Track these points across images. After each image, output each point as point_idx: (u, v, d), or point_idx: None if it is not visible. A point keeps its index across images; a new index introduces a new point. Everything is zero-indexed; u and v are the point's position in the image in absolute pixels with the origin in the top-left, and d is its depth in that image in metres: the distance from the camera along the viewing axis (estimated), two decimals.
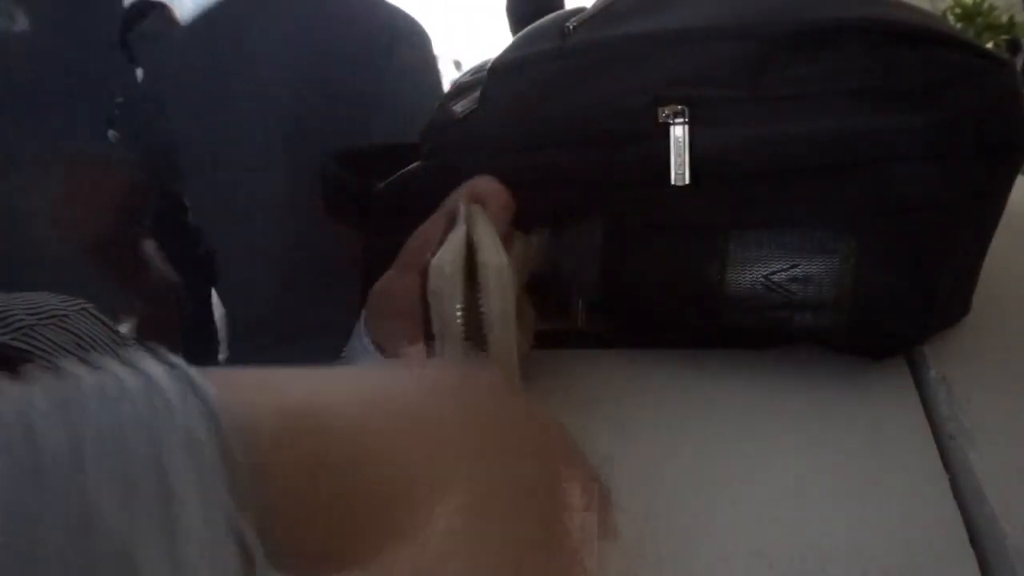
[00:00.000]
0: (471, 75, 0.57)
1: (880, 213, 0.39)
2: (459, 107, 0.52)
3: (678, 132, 0.41)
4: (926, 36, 0.38)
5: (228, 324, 0.90)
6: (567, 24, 0.48)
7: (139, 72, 0.85)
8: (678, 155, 0.41)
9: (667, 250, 0.43)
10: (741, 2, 0.45)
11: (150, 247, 0.86)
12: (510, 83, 0.49)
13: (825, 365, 0.44)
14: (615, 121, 0.44)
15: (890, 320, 0.41)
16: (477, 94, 0.51)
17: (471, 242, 0.34)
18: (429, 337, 0.33)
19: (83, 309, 0.35)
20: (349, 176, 0.59)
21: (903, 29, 0.39)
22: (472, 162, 0.51)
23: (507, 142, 0.49)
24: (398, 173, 0.55)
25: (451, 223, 0.37)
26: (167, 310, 0.85)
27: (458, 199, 0.39)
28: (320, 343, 0.49)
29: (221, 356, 0.88)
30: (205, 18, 0.84)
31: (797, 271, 0.40)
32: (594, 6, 0.49)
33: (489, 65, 0.51)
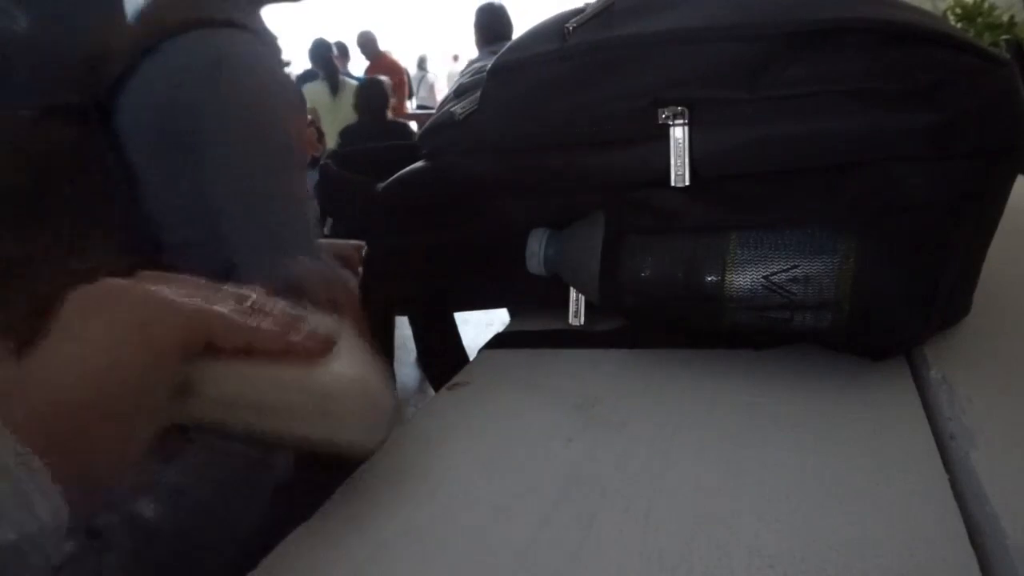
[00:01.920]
0: (471, 76, 0.57)
1: (880, 213, 0.39)
2: (459, 108, 0.52)
3: (678, 133, 0.41)
4: (926, 36, 0.38)
5: None
6: (567, 25, 0.48)
7: None
8: (678, 156, 0.41)
9: (667, 251, 0.43)
10: (741, 3, 0.45)
11: None
12: (510, 84, 0.49)
13: (825, 365, 0.44)
14: (615, 123, 0.44)
15: (890, 320, 0.41)
16: (477, 95, 0.51)
17: None
18: None
19: None
20: (349, 176, 0.59)
21: (903, 29, 0.39)
22: (472, 164, 0.51)
23: (507, 143, 0.49)
24: (397, 174, 0.55)
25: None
26: None
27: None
28: None
29: None
30: None
31: (797, 271, 0.40)
32: (594, 7, 0.49)
33: (489, 66, 0.51)
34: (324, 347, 0.32)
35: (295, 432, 0.31)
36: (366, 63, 4.95)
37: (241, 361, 0.30)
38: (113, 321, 0.26)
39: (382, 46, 4.85)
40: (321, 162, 0.61)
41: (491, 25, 2.86)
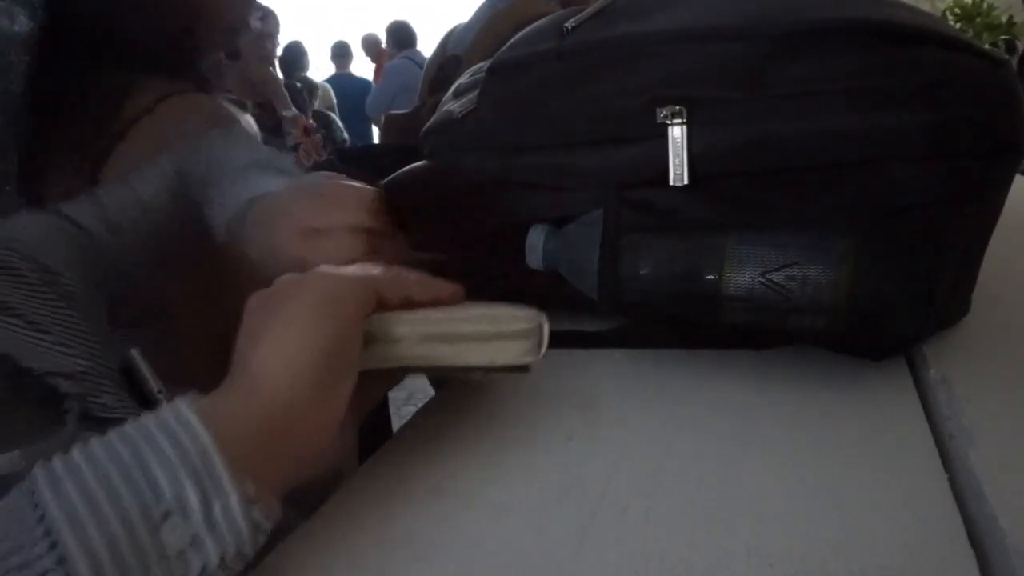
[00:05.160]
0: (470, 76, 0.57)
1: (878, 213, 0.39)
2: (457, 107, 0.52)
3: (676, 132, 0.41)
4: (925, 36, 0.38)
5: None
6: (565, 24, 0.48)
7: None
8: (676, 155, 0.41)
9: (666, 248, 0.43)
10: (739, 3, 0.45)
11: None
12: (508, 83, 0.49)
13: (825, 365, 0.44)
14: (613, 121, 0.44)
15: (889, 320, 0.41)
16: (475, 94, 0.51)
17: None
18: None
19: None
20: (351, 173, 0.59)
21: (903, 29, 0.39)
22: (471, 162, 0.51)
23: (505, 141, 0.49)
24: (399, 172, 0.55)
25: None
26: None
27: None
28: None
29: None
30: None
31: (795, 271, 0.40)
32: (593, 6, 0.49)
33: (487, 65, 0.51)
34: (459, 295, 0.39)
35: (461, 359, 0.36)
36: (371, 65, 4.94)
37: (405, 310, 0.36)
38: (315, 302, 0.32)
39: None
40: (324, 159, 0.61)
41: (400, 35, 3.96)
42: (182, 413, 0.27)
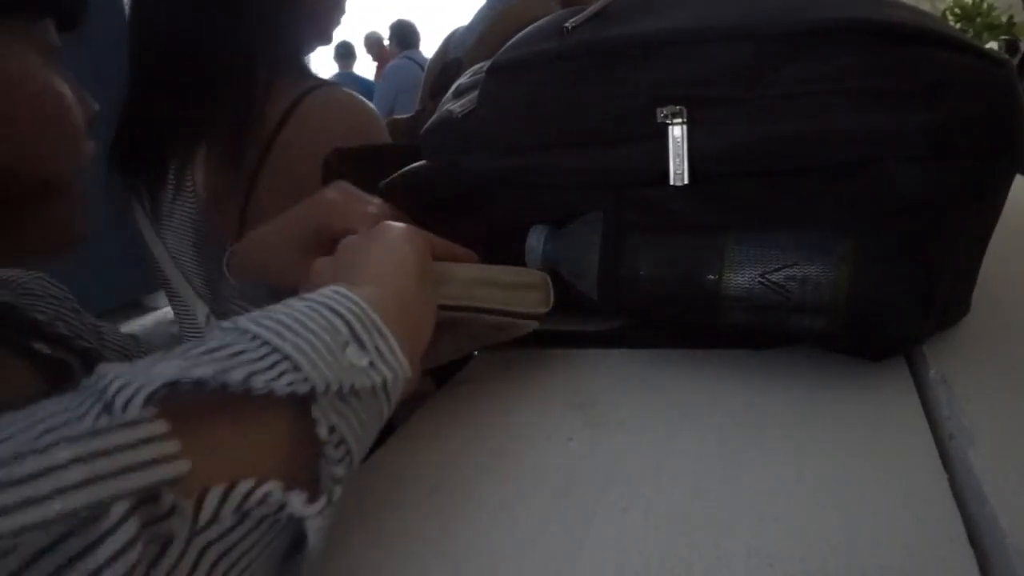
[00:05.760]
0: (471, 76, 0.57)
1: (879, 213, 0.39)
2: (458, 107, 0.52)
3: (676, 132, 0.41)
4: (925, 36, 0.38)
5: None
6: (565, 24, 0.48)
7: None
8: (677, 155, 0.41)
9: (666, 249, 0.43)
10: (740, 3, 0.45)
11: None
12: (508, 83, 0.49)
13: (825, 365, 0.44)
14: (613, 121, 0.44)
15: (888, 321, 0.41)
16: (476, 94, 0.51)
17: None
18: None
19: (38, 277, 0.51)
20: (350, 173, 0.59)
21: (903, 30, 0.39)
22: (471, 162, 0.51)
23: (505, 142, 0.49)
24: (399, 172, 0.55)
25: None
26: None
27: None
28: None
29: None
30: None
31: (795, 271, 0.40)
32: (593, 6, 0.49)
33: (487, 66, 0.51)
34: (476, 257, 0.47)
35: (500, 303, 0.44)
36: (374, 64, 4.93)
37: (455, 262, 0.44)
38: (397, 234, 0.39)
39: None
40: (323, 159, 0.60)
41: (403, 35, 4.02)
42: (333, 287, 0.31)
